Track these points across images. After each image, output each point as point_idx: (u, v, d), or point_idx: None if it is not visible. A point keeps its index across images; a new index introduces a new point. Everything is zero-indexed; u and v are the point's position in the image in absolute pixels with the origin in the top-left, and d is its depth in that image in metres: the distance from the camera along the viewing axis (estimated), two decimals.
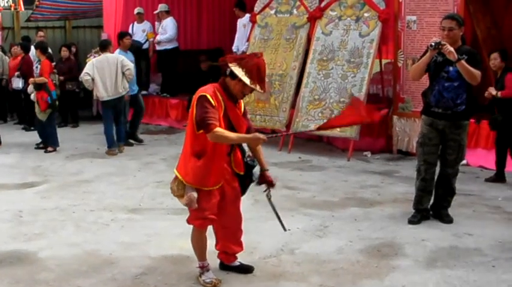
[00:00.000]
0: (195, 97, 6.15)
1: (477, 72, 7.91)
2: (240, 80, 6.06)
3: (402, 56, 12.66)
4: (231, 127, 6.16)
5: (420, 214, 8.47)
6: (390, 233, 8.03)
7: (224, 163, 6.26)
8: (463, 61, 7.82)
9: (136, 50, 17.13)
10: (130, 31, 17.22)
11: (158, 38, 17.13)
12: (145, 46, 17.50)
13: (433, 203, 8.58)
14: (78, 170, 11.81)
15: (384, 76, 13.77)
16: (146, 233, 8.12)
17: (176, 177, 6.30)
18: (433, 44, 7.94)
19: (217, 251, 6.81)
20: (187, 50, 17.64)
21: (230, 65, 6.13)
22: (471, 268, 6.88)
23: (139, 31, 17.44)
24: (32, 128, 15.42)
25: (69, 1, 18.96)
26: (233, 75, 6.10)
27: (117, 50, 14.08)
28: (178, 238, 7.75)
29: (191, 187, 6.21)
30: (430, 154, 8.34)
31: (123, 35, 14.37)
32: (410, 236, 7.89)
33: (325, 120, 12.75)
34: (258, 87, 6.07)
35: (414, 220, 8.40)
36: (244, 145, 6.52)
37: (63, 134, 14.82)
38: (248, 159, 6.49)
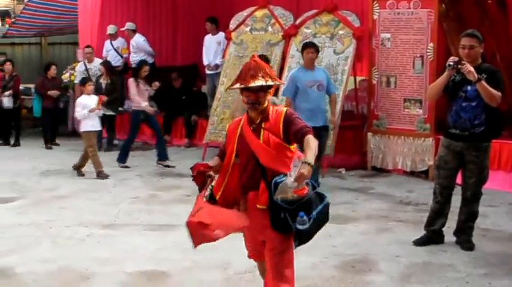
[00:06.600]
0: None
1: (497, 93, 7.54)
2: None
3: (377, 73, 12.79)
4: (244, 149, 5.42)
5: (428, 236, 8.29)
6: (364, 250, 8.08)
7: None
8: (483, 81, 7.49)
9: (112, 68, 17.03)
10: (105, 48, 17.16)
11: (132, 57, 17.00)
12: (119, 63, 17.32)
13: (455, 229, 8.33)
14: (54, 186, 11.78)
15: (359, 93, 13.85)
16: (122, 249, 8.14)
17: None
18: (451, 63, 7.64)
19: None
20: (161, 67, 17.56)
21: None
22: (445, 284, 6.94)
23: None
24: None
25: (45, 17, 18.92)
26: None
27: None
28: (154, 254, 7.79)
29: None
30: (445, 177, 8.09)
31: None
32: (384, 252, 7.95)
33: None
34: (236, 84, 5.30)
35: (418, 241, 8.24)
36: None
37: (37, 151, 14.84)
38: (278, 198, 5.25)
